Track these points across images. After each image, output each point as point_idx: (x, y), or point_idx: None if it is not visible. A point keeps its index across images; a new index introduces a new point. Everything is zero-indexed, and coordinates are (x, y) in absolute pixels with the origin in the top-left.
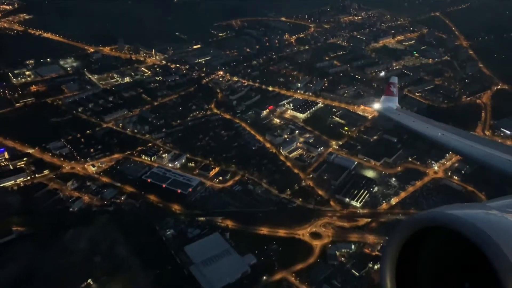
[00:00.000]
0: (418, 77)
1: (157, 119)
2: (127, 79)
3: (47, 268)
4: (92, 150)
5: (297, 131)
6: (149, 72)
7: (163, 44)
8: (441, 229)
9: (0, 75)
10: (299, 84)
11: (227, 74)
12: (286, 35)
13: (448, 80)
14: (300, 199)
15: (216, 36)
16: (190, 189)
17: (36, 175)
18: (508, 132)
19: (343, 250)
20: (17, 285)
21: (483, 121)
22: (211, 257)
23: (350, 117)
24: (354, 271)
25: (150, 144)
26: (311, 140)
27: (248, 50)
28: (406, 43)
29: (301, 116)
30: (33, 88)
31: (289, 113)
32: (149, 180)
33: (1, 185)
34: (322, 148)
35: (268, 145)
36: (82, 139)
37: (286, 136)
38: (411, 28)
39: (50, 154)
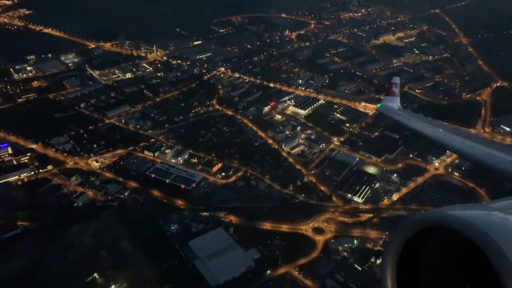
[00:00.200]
0: (418, 74)
1: (159, 115)
2: (128, 75)
3: (53, 262)
4: (95, 145)
5: (299, 128)
6: (151, 68)
7: (164, 40)
8: (443, 229)
9: (1, 71)
10: (300, 81)
11: (228, 70)
12: (287, 32)
13: (448, 77)
14: (303, 195)
15: (217, 32)
16: (194, 185)
17: (40, 170)
18: (507, 129)
19: (345, 245)
20: (23, 279)
21: (483, 118)
22: (216, 252)
23: (351, 114)
24: (356, 266)
25: (152, 140)
26: (312, 137)
27: (249, 46)
28: (406, 40)
29: (302, 112)
30: (35, 83)
31: (291, 109)
32: (152, 175)
33: (5, 180)
34: (323, 144)
35: (270, 141)
36: (85, 135)
37: (288, 132)
38: (411, 25)
39: (53, 149)
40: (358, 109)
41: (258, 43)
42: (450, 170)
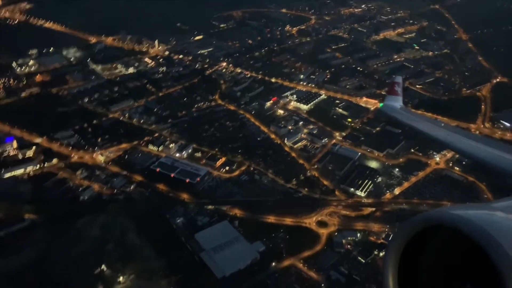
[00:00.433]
0: (418, 70)
1: (162, 110)
2: (131, 70)
3: (60, 254)
4: (99, 139)
5: (301, 122)
6: (153, 63)
7: (165, 35)
8: (445, 229)
9: (3, 65)
10: (301, 76)
11: (230, 65)
12: (287, 27)
13: (448, 72)
14: (306, 189)
15: (218, 27)
16: (198, 179)
17: (45, 164)
18: (507, 124)
19: (349, 238)
20: (32, 271)
21: (483, 113)
22: (221, 244)
23: (353, 109)
24: (360, 258)
25: (156, 135)
26: (315, 131)
27: (250, 41)
28: (406, 36)
29: (304, 107)
30: (38, 78)
31: (293, 104)
32: (157, 169)
33: (11, 173)
34: (326, 139)
35: (272, 136)
36: (89, 129)
37: (290, 127)
38: (411, 21)
39: (58, 143)
40: (359, 104)
41: (259, 38)
42: (451, 164)
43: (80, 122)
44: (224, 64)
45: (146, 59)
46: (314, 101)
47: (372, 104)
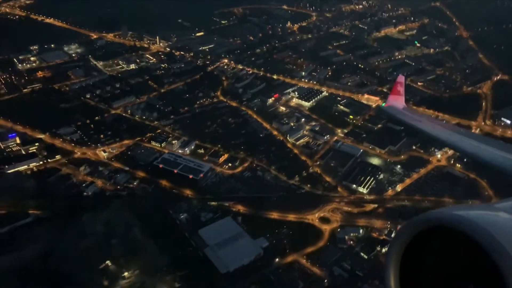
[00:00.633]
0: (420, 67)
1: (164, 106)
2: (132, 66)
3: (65, 249)
4: (102, 136)
5: (303, 119)
6: (154, 59)
7: (166, 31)
8: (447, 229)
9: (4, 61)
10: (303, 73)
11: (232, 62)
12: (289, 24)
13: (449, 70)
14: (309, 185)
15: (219, 24)
16: (201, 175)
17: (49, 160)
18: (508, 121)
19: (351, 234)
20: (37, 265)
21: (483, 111)
22: (225, 240)
23: (355, 106)
24: (363, 254)
25: (159, 131)
26: (317, 128)
27: (251, 38)
28: (408, 33)
29: (306, 104)
30: (40, 74)
31: (295, 101)
32: (160, 165)
33: (15, 169)
34: (328, 136)
35: (275, 132)
36: (92, 125)
37: (292, 124)
38: (412, 18)
39: (61, 139)
40: (361, 101)
41: (260, 34)
42: (452, 161)
43: (82, 118)
44: (226, 60)
45: (148, 55)
46: (316, 98)
47: (373, 101)
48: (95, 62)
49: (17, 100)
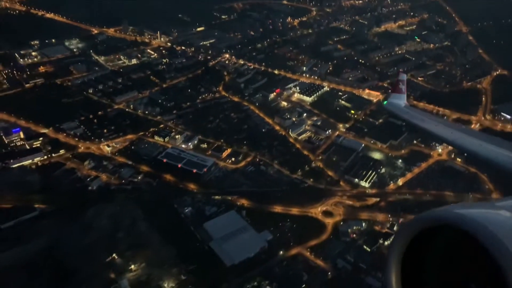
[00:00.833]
0: (420, 62)
1: (167, 101)
2: (134, 61)
3: (72, 242)
4: (105, 130)
5: (304, 114)
6: (155, 54)
7: (167, 25)
8: (448, 228)
9: (6, 56)
10: (304, 68)
11: (233, 57)
12: (289, 19)
13: (449, 65)
14: (311, 180)
15: (219, 19)
16: (205, 169)
17: (53, 155)
18: (508, 116)
19: (354, 227)
20: (44, 259)
21: (483, 105)
22: (230, 233)
23: (356, 101)
24: (365, 247)
25: (161, 126)
26: (318, 123)
27: (252, 33)
28: (407, 28)
29: (308, 99)
30: (41, 69)
31: (296, 96)
32: (164, 160)
33: (20, 164)
34: (330, 130)
35: (277, 127)
36: (95, 120)
37: (294, 119)
38: (412, 13)
39: (65, 134)
40: (362, 96)
41: (261, 29)
42: (452, 156)
43: (85, 113)
44: (227, 55)
45: (149, 50)
46: (317, 93)
47: (374, 96)
48: (97, 57)
49: (20, 95)
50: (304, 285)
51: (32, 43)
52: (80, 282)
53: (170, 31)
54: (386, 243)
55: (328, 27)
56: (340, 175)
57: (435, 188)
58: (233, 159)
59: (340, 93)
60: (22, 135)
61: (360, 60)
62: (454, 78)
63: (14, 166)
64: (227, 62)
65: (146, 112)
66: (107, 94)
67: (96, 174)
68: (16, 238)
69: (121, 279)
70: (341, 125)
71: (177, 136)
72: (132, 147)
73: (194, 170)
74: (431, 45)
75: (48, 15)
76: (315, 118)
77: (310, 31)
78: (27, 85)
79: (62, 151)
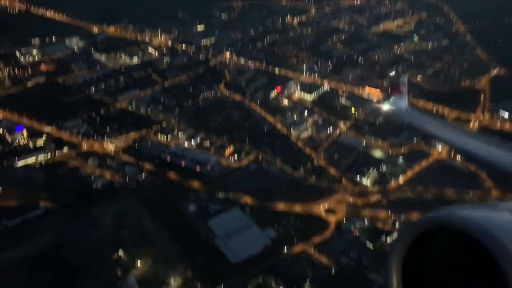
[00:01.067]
0: (418, 61)
1: (168, 100)
2: (135, 60)
3: (78, 240)
4: (108, 129)
5: (306, 112)
6: (156, 53)
7: (167, 24)
8: (450, 229)
9: (6, 54)
10: (304, 67)
11: (233, 55)
12: (288, 17)
13: (448, 64)
14: (314, 178)
15: (219, 17)
16: (209, 167)
17: (56, 153)
18: (506, 114)
19: (357, 225)
20: (50, 256)
21: (482, 104)
22: (234, 231)
23: (356, 99)
24: (368, 244)
25: (164, 124)
26: (320, 121)
27: (252, 32)
28: (406, 27)
29: (308, 98)
30: (43, 67)
31: (297, 94)
32: (168, 158)
33: (24, 162)
34: (331, 129)
35: (278, 125)
36: (98, 118)
37: (295, 117)
38: (410, 13)
39: (68, 132)
40: (362, 94)
41: (260, 28)
42: (452, 154)
43: (87, 111)
44: (228, 54)
45: (150, 49)
46: (318, 92)
47: (374, 94)
48: (98, 56)
49: (22, 93)
50: (308, 282)
51: (32, 41)
52: (86, 279)
53: (170, 30)
54: (388, 240)
55: (327, 26)
56: (341, 173)
57: (435, 186)
58: (236, 157)
59: (340, 92)
60: (25, 133)
61: (360, 59)
62: (453, 77)
63: (18, 164)
64: (228, 60)
65: (148, 110)
66: (108, 92)
67: (100, 172)
68: (22, 235)
69: (127, 276)
70: (342, 123)
71: (180, 134)
72: (135, 146)
73: (198, 168)
74: (430, 44)
75: (48, 13)
76: (316, 117)
77: (309, 30)
78: (28, 84)
79: (65, 149)
